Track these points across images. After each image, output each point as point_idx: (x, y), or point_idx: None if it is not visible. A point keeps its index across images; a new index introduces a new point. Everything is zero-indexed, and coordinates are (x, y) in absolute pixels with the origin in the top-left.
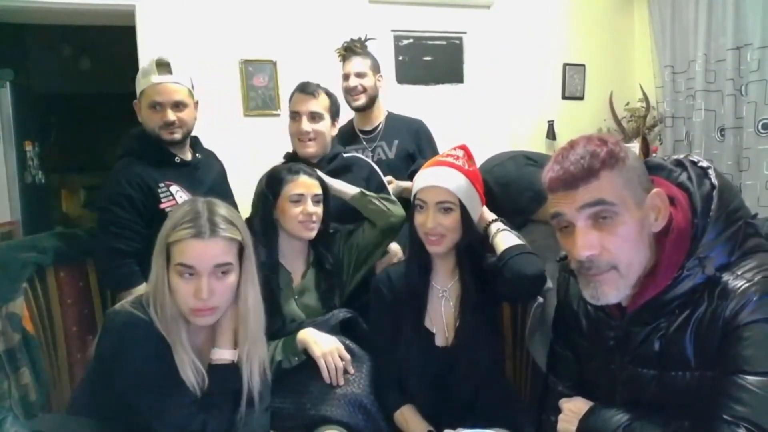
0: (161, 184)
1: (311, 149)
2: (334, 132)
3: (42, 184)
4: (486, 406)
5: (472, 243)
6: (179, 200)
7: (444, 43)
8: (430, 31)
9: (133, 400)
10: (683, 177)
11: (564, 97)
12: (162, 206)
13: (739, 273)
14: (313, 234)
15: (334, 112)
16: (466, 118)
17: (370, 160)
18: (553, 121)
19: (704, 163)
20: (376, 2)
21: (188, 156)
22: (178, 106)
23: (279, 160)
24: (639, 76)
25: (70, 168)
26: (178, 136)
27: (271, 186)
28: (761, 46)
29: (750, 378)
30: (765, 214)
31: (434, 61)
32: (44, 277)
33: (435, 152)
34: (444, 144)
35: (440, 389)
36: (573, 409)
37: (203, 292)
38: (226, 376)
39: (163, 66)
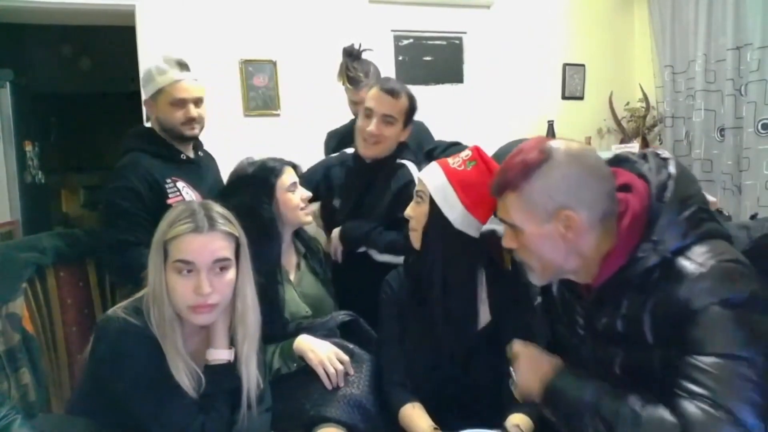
0: (168, 180)
1: (371, 152)
2: (404, 137)
3: (42, 184)
4: (491, 405)
5: (459, 248)
6: (186, 196)
7: (444, 43)
8: (430, 31)
9: (130, 405)
10: (645, 167)
11: (564, 97)
12: (169, 201)
13: (692, 257)
14: (311, 218)
15: (409, 118)
16: (466, 118)
17: (415, 173)
18: (553, 121)
19: (666, 155)
20: (376, 2)
21: (191, 154)
22: (197, 102)
23: None
24: (639, 76)
25: (70, 168)
26: (197, 131)
27: (262, 186)
28: (761, 46)
29: (704, 359)
30: (765, 213)
31: (434, 61)
32: (44, 277)
33: None
34: None
35: (447, 387)
36: (531, 358)
37: (204, 288)
38: (223, 376)
39: (183, 65)
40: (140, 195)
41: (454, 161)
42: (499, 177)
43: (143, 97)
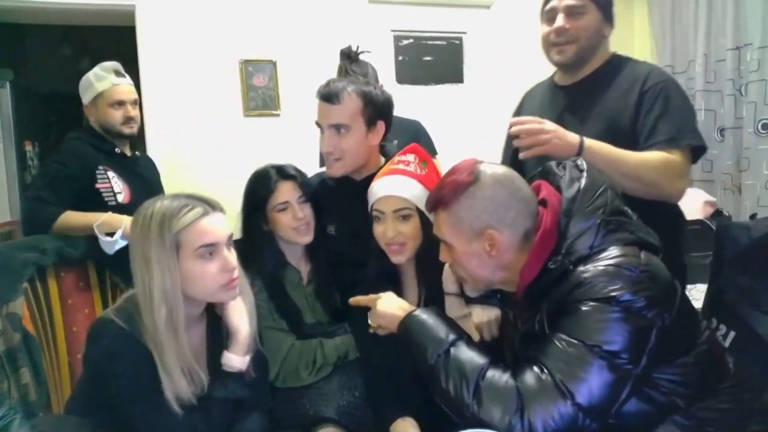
0: (100, 167)
1: (335, 171)
2: (375, 140)
3: None
4: None
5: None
6: (114, 185)
7: (444, 43)
8: (430, 31)
9: (126, 410)
10: (562, 181)
11: None
12: (97, 186)
13: (588, 265)
14: (309, 238)
15: (372, 114)
16: (466, 118)
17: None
18: None
19: (584, 166)
20: (376, 2)
21: (128, 152)
22: (135, 104)
23: (279, 159)
24: None
25: None
26: (135, 129)
27: (255, 201)
28: (761, 46)
29: (560, 335)
30: (765, 213)
31: (434, 61)
32: (44, 277)
33: (433, 152)
34: (444, 144)
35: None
36: (395, 298)
37: (232, 262)
38: (234, 385)
39: (118, 72)
40: (71, 172)
41: (411, 168)
42: (434, 195)
43: (84, 102)
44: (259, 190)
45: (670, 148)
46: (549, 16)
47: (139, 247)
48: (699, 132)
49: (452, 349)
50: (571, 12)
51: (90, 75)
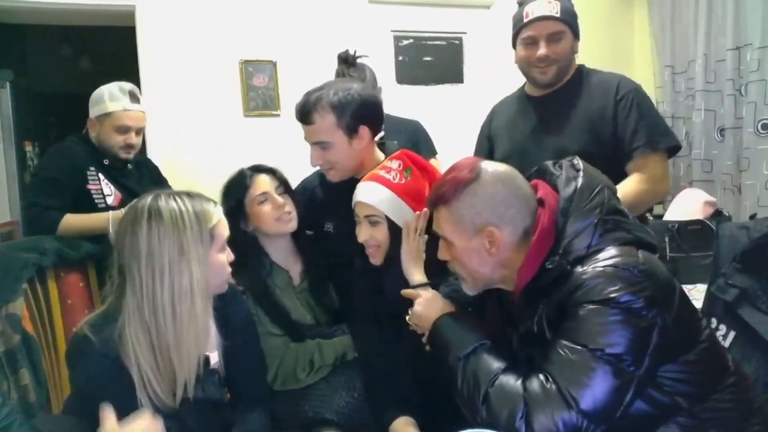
0: (91, 168)
1: (332, 177)
2: (361, 146)
3: None
4: None
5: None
6: (104, 186)
7: (444, 43)
8: (430, 31)
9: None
10: (559, 180)
11: None
12: (88, 187)
13: (586, 265)
14: (293, 224)
15: (351, 122)
16: (466, 118)
17: None
18: None
19: (580, 165)
20: (376, 2)
21: (117, 164)
22: (138, 131)
23: (279, 159)
24: (639, 76)
25: None
26: (131, 156)
27: (234, 203)
28: (761, 46)
29: (563, 342)
30: (765, 213)
31: (434, 61)
32: (44, 278)
33: (432, 152)
34: (444, 144)
35: (431, 389)
36: (433, 297)
37: (231, 254)
38: (211, 385)
39: (134, 96)
40: (62, 171)
41: (390, 175)
42: (434, 192)
43: (90, 115)
44: (237, 189)
45: (652, 150)
46: (528, 42)
47: (167, 245)
48: (672, 132)
49: (472, 355)
50: (551, 39)
51: (104, 91)
